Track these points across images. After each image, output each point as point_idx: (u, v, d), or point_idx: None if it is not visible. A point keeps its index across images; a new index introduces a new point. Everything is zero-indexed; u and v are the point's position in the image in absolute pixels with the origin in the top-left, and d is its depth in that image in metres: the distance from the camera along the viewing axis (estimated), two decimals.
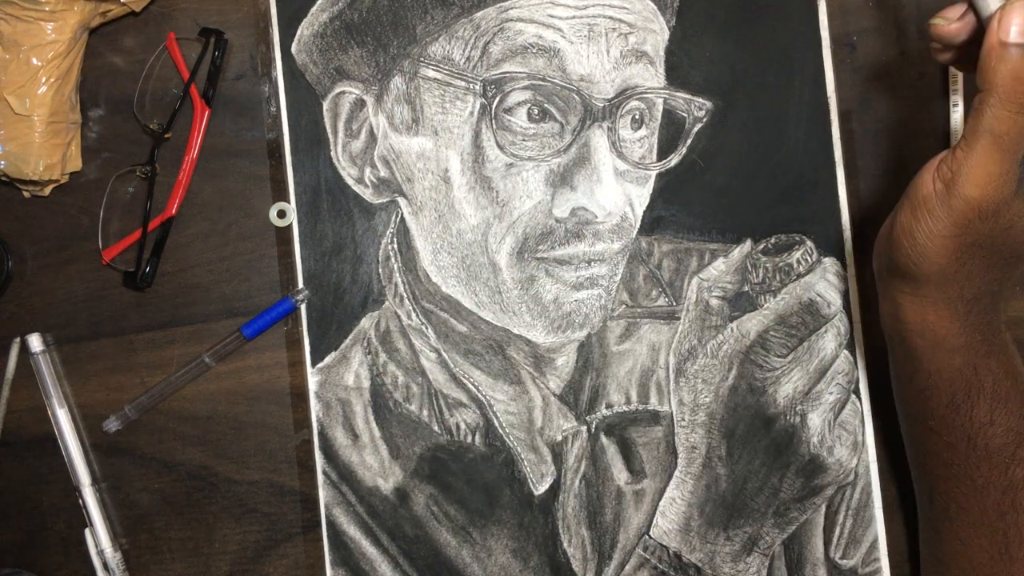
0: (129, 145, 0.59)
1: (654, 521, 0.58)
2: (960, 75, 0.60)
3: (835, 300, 0.58)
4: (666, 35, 0.59)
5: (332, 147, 0.58)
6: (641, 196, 0.59)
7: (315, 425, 0.58)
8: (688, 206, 0.59)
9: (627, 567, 0.58)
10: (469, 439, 0.58)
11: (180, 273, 0.59)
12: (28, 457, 0.59)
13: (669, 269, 0.59)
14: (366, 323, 0.58)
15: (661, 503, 0.58)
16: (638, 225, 0.59)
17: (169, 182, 0.59)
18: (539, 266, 0.58)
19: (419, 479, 0.58)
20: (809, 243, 0.59)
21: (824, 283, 0.58)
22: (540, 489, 0.58)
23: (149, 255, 0.58)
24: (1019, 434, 0.49)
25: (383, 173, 0.58)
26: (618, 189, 0.58)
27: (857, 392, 0.58)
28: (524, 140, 0.57)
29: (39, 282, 0.59)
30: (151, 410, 0.59)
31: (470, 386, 0.58)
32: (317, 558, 0.58)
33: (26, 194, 0.59)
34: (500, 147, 0.57)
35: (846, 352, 0.58)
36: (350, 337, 0.58)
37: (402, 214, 0.58)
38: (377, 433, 0.58)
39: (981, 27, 0.45)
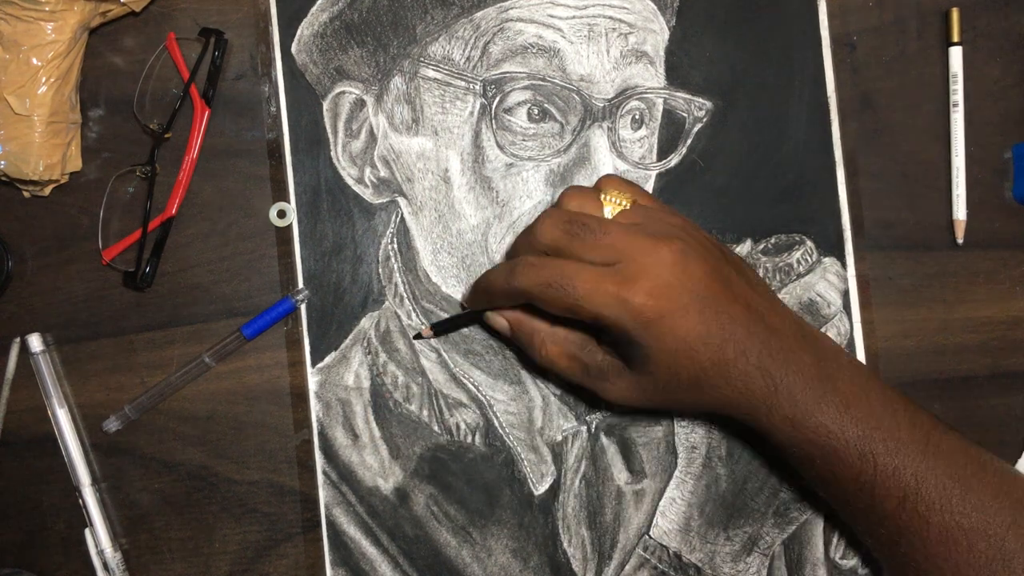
0: (129, 145, 0.59)
1: (654, 521, 0.58)
2: (960, 75, 0.60)
3: (835, 300, 0.58)
4: (666, 35, 0.59)
5: (332, 147, 0.58)
6: None
7: (315, 425, 0.58)
8: (688, 206, 0.59)
9: (627, 567, 0.58)
10: (469, 439, 0.58)
11: (180, 273, 0.59)
12: (28, 457, 0.59)
13: None
14: (366, 323, 0.58)
15: (661, 503, 0.58)
16: None
17: (169, 182, 0.59)
18: None
19: (419, 479, 0.58)
20: (809, 243, 0.59)
21: (824, 283, 0.58)
22: (540, 489, 0.58)
23: (149, 255, 0.58)
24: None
25: (383, 173, 0.58)
26: None
27: None
28: (524, 140, 0.57)
29: (39, 282, 0.59)
30: (151, 410, 0.59)
31: (470, 386, 0.58)
32: (317, 558, 0.58)
33: (26, 194, 0.59)
34: (500, 147, 0.57)
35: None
36: (350, 337, 0.58)
37: (402, 214, 0.58)
38: (377, 433, 0.58)
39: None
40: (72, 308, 0.59)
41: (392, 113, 0.58)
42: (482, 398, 0.58)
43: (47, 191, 0.59)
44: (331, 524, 0.57)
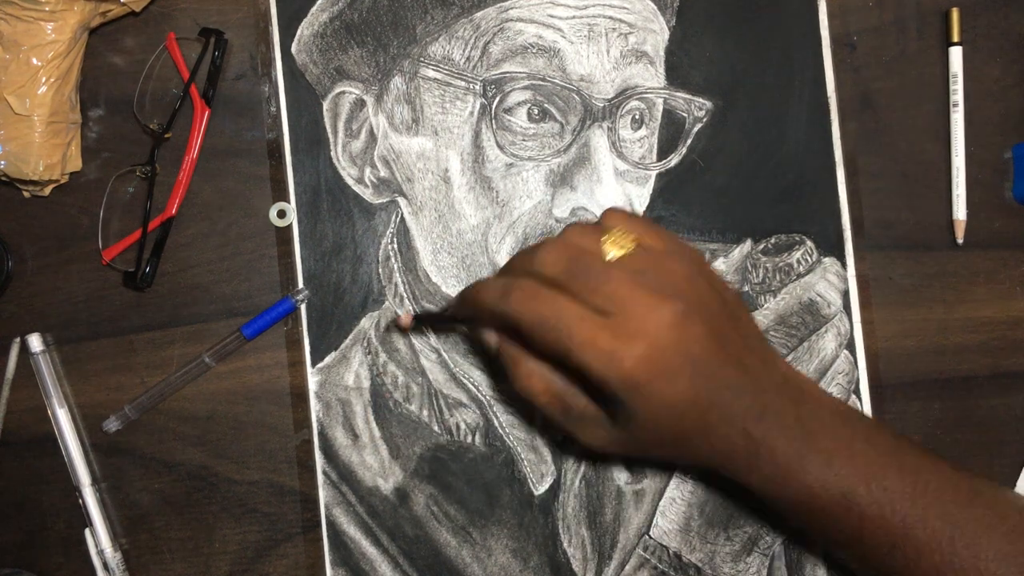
0: (129, 145, 0.59)
1: (654, 521, 0.58)
2: (960, 75, 0.60)
3: (835, 300, 0.58)
4: (666, 35, 0.59)
5: (332, 147, 0.58)
6: (641, 196, 0.59)
7: (315, 425, 0.58)
8: (688, 206, 0.59)
9: (627, 567, 0.58)
10: (469, 439, 0.58)
11: (180, 273, 0.59)
12: (28, 457, 0.59)
13: None
14: (366, 323, 0.58)
15: (661, 503, 0.58)
16: None
17: (169, 182, 0.59)
18: None
19: (419, 479, 0.58)
20: (809, 243, 0.59)
21: (824, 283, 0.58)
22: (540, 489, 0.58)
23: (149, 255, 0.58)
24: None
25: (383, 173, 0.58)
26: (618, 189, 0.58)
27: (857, 392, 0.58)
28: (524, 140, 0.57)
29: (39, 282, 0.59)
30: (151, 410, 0.59)
31: (470, 386, 0.58)
32: (317, 558, 0.58)
33: (26, 194, 0.59)
34: (500, 147, 0.57)
35: (846, 352, 0.58)
36: (350, 337, 0.58)
37: (402, 214, 0.58)
38: (377, 433, 0.58)
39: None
40: (72, 308, 0.59)
41: (392, 113, 0.58)
42: (482, 398, 0.58)
43: (47, 191, 0.59)
44: (331, 524, 0.57)
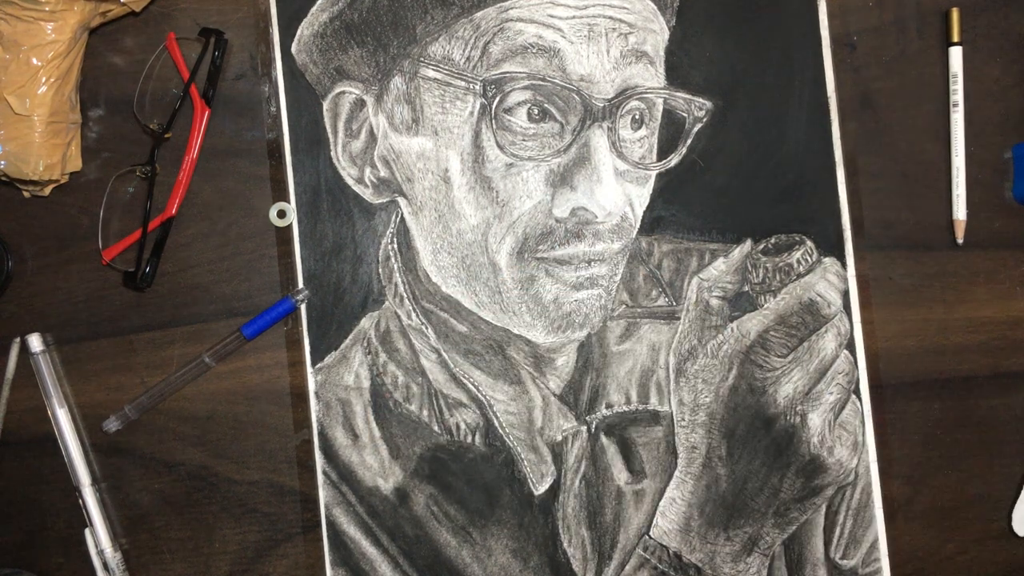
0: (129, 145, 0.59)
1: (654, 521, 0.58)
2: (960, 75, 0.60)
3: (835, 300, 0.58)
4: (666, 35, 0.59)
5: (332, 147, 0.58)
6: (641, 196, 0.59)
7: (315, 425, 0.58)
8: (688, 206, 0.59)
9: (627, 567, 0.58)
10: (469, 439, 0.58)
11: (180, 273, 0.59)
12: (28, 457, 0.59)
13: (669, 269, 0.59)
14: (366, 323, 0.58)
15: (661, 503, 0.58)
16: (638, 225, 0.59)
17: (169, 182, 0.59)
18: (539, 266, 0.58)
19: (419, 479, 0.58)
20: (809, 243, 0.59)
21: (824, 283, 0.58)
22: (540, 489, 0.58)
23: (149, 255, 0.58)
24: None
25: (383, 173, 0.58)
26: (618, 189, 0.58)
27: (857, 392, 0.58)
28: (524, 140, 0.57)
29: (39, 282, 0.59)
30: (151, 410, 0.59)
31: (470, 386, 0.58)
32: (317, 558, 0.58)
33: (26, 194, 0.59)
34: (500, 147, 0.57)
35: (846, 352, 0.58)
36: (350, 337, 0.58)
37: (402, 214, 0.58)
38: (377, 433, 0.58)
39: None
40: (72, 308, 0.59)
41: (392, 113, 0.58)
42: (482, 398, 0.58)
43: (47, 191, 0.59)
44: (331, 524, 0.57)
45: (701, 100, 0.59)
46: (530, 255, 0.57)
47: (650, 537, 0.58)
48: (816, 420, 0.58)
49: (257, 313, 0.58)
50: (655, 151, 0.59)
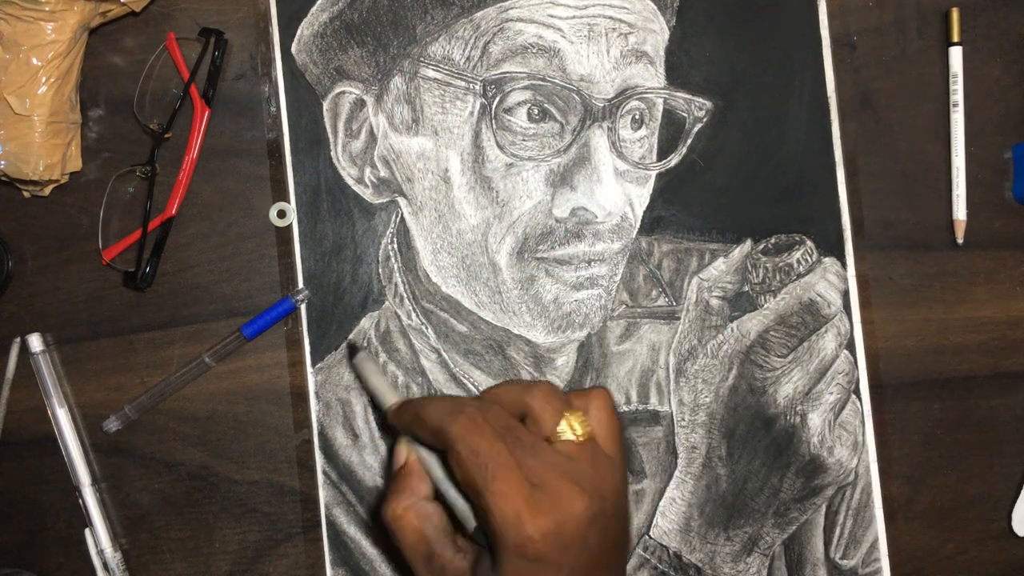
0: (129, 145, 0.59)
1: (654, 521, 0.58)
2: (960, 75, 0.60)
3: (835, 300, 0.58)
4: (666, 35, 0.59)
5: (332, 147, 0.58)
6: (641, 196, 0.59)
7: (315, 425, 0.58)
8: (688, 206, 0.59)
9: (627, 567, 0.58)
10: None
11: (180, 273, 0.59)
12: (28, 457, 0.59)
13: (669, 269, 0.59)
14: (366, 323, 0.58)
15: (661, 503, 0.58)
16: (638, 225, 0.59)
17: (169, 182, 0.59)
18: (539, 266, 0.58)
19: None
20: (809, 243, 0.59)
21: (824, 283, 0.58)
22: None
23: (149, 255, 0.58)
24: None
25: (383, 173, 0.58)
26: (618, 189, 0.58)
27: (857, 392, 0.58)
28: (524, 140, 0.57)
29: (39, 282, 0.59)
30: (151, 410, 0.59)
31: (470, 386, 0.58)
32: (317, 558, 0.58)
33: (26, 194, 0.59)
34: (500, 147, 0.57)
35: (846, 352, 0.58)
36: (350, 337, 0.58)
37: (402, 214, 0.58)
38: (377, 433, 0.58)
39: None
40: (72, 308, 0.59)
41: (392, 113, 0.58)
42: None
43: (47, 191, 0.59)
44: (331, 524, 0.57)
45: (701, 100, 0.59)
46: (530, 255, 0.57)
47: (650, 537, 0.58)
48: (816, 420, 0.58)
49: (257, 313, 0.58)
50: (655, 151, 0.59)
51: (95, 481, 0.58)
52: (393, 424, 0.50)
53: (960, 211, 0.60)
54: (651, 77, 0.58)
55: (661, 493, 0.58)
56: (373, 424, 0.58)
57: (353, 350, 0.56)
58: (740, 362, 0.58)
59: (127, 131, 0.60)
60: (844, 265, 0.59)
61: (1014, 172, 0.60)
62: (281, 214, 0.58)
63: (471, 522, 0.45)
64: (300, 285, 0.58)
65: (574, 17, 0.57)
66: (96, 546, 0.58)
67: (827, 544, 0.58)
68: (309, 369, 0.58)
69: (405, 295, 0.58)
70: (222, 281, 0.59)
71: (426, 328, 0.58)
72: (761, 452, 0.58)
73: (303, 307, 0.58)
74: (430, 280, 0.58)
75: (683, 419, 0.58)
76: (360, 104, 0.58)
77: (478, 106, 0.57)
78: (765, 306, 0.58)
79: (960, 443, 0.60)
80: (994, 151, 0.61)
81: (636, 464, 0.58)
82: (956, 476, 0.61)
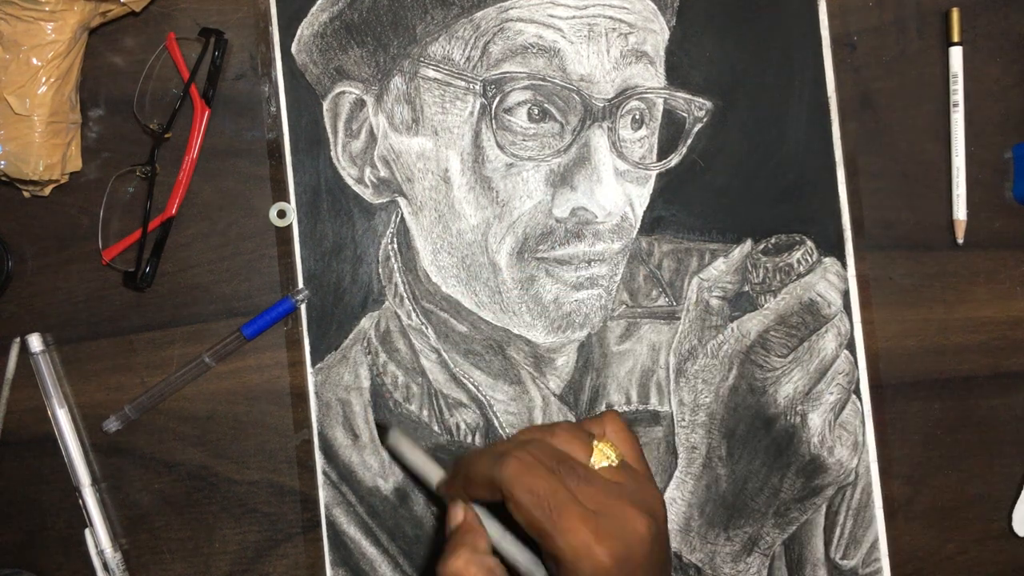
0: (129, 145, 0.59)
1: None
2: (960, 75, 0.60)
3: (835, 300, 0.58)
4: (666, 35, 0.59)
5: (332, 147, 0.58)
6: (641, 196, 0.59)
7: (315, 425, 0.58)
8: (688, 206, 0.59)
9: None
10: (469, 439, 0.58)
11: (180, 273, 0.59)
12: (28, 457, 0.59)
13: (669, 269, 0.59)
14: (366, 323, 0.58)
15: None
16: (638, 225, 0.59)
17: (169, 182, 0.59)
18: (539, 266, 0.58)
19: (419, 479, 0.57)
20: (809, 243, 0.59)
21: (824, 283, 0.58)
22: None
23: (149, 255, 0.58)
24: None
25: (383, 173, 0.58)
26: (618, 189, 0.58)
27: (857, 392, 0.58)
28: (524, 140, 0.57)
29: (39, 282, 0.59)
30: (151, 410, 0.59)
31: (470, 386, 0.58)
32: (317, 558, 0.58)
33: (26, 194, 0.59)
34: (500, 147, 0.57)
35: (846, 352, 0.58)
36: (350, 337, 0.58)
37: (402, 214, 0.58)
38: (377, 433, 0.58)
39: None
40: (72, 308, 0.59)
41: (392, 113, 0.58)
42: (482, 398, 0.58)
43: (47, 191, 0.59)
44: (331, 524, 0.57)
45: (701, 100, 0.59)
46: (530, 255, 0.57)
47: None
48: (816, 420, 0.58)
49: (257, 313, 0.58)
50: (655, 151, 0.59)
51: (95, 481, 0.58)
52: (444, 495, 0.49)
53: (960, 211, 0.60)
54: (651, 77, 0.58)
55: (661, 493, 0.58)
56: (373, 424, 0.58)
57: (383, 430, 0.56)
58: (740, 362, 0.58)
59: (127, 131, 0.60)
60: (844, 265, 0.59)
61: (1014, 172, 0.60)
62: (281, 214, 0.58)
63: (536, 573, 0.45)
64: (300, 285, 0.58)
65: (574, 17, 0.57)
66: (96, 546, 0.58)
67: (827, 544, 0.58)
68: (309, 369, 0.58)
69: (405, 295, 0.58)
70: (222, 281, 0.59)
71: (426, 328, 0.58)
72: (761, 452, 0.58)
73: (303, 307, 0.58)
74: (430, 280, 0.58)
75: (683, 419, 0.58)
76: (360, 104, 0.58)
77: (478, 106, 0.57)
78: (765, 306, 0.58)
79: (960, 443, 0.60)
80: (994, 151, 0.61)
81: None
82: (956, 476, 0.61)
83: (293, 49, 0.58)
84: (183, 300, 0.59)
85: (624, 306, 0.58)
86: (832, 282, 0.58)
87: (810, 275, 0.58)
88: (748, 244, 0.59)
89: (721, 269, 0.59)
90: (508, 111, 0.57)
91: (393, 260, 0.58)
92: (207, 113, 0.59)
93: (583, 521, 0.42)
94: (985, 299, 0.60)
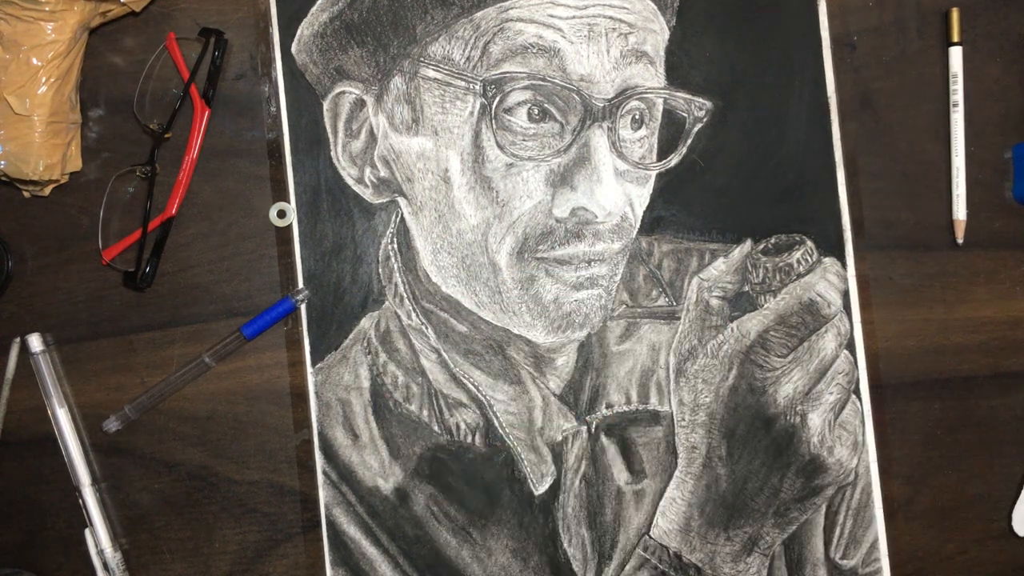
0: (129, 145, 0.59)
1: (654, 521, 0.58)
2: (960, 75, 0.60)
3: (835, 300, 0.58)
4: (666, 35, 0.59)
5: (332, 147, 0.58)
6: (641, 196, 0.59)
7: (315, 425, 0.58)
8: (688, 206, 0.59)
9: (627, 567, 0.58)
10: (469, 439, 0.58)
11: (180, 273, 0.59)
12: (28, 457, 0.59)
13: (669, 269, 0.59)
14: (366, 323, 0.58)
15: (661, 503, 0.58)
16: (638, 225, 0.59)
17: (169, 182, 0.59)
18: (539, 266, 0.58)
19: (419, 479, 0.58)
20: (809, 243, 0.59)
21: (824, 283, 0.58)
22: (540, 489, 0.58)
23: (149, 255, 0.58)
24: None
25: (383, 173, 0.58)
26: (618, 189, 0.58)
27: (857, 392, 0.58)
28: (524, 140, 0.57)
29: (39, 282, 0.59)
30: (151, 410, 0.59)
31: (470, 386, 0.58)
32: (317, 558, 0.58)
33: (26, 194, 0.59)
34: (500, 147, 0.57)
35: (846, 352, 0.58)
36: (350, 337, 0.58)
37: (402, 214, 0.58)
38: (377, 433, 0.58)
39: None
40: (72, 308, 0.59)
41: (392, 113, 0.58)
42: (482, 398, 0.58)
43: (47, 191, 0.59)
44: (331, 524, 0.57)
45: (701, 100, 0.59)
46: (530, 255, 0.57)
47: (650, 537, 0.58)
48: (816, 420, 0.58)
49: (257, 313, 0.58)
50: (655, 151, 0.59)
51: (95, 481, 0.58)
52: None
53: (960, 211, 0.60)
54: (651, 77, 0.58)
55: (661, 493, 0.58)
56: (373, 424, 0.58)
57: None
58: (740, 362, 0.58)
59: (127, 131, 0.60)
60: (844, 265, 0.59)
61: (1014, 172, 0.60)
62: (281, 214, 0.58)
63: None
64: (300, 285, 0.58)
65: (574, 17, 0.57)
66: (96, 546, 0.58)
67: (827, 544, 0.58)
68: (309, 369, 0.58)
69: (405, 295, 0.58)
70: (222, 281, 0.59)
71: (426, 328, 0.58)
72: (761, 452, 0.58)
73: (303, 307, 0.58)
74: (430, 280, 0.58)
75: (683, 419, 0.58)
76: (360, 104, 0.58)
77: (478, 106, 0.57)
78: (765, 306, 0.58)
79: (960, 443, 0.60)
80: (994, 151, 0.61)
81: (636, 464, 0.58)
82: (956, 476, 0.61)
83: (293, 49, 0.58)
84: (183, 300, 0.59)
85: (624, 306, 0.58)
86: (832, 282, 0.58)
87: (810, 275, 0.58)
88: (748, 244, 0.59)
89: (721, 269, 0.59)
90: (508, 111, 0.57)
91: (393, 260, 0.58)
92: (207, 113, 0.59)
93: None
94: (985, 299, 0.60)
